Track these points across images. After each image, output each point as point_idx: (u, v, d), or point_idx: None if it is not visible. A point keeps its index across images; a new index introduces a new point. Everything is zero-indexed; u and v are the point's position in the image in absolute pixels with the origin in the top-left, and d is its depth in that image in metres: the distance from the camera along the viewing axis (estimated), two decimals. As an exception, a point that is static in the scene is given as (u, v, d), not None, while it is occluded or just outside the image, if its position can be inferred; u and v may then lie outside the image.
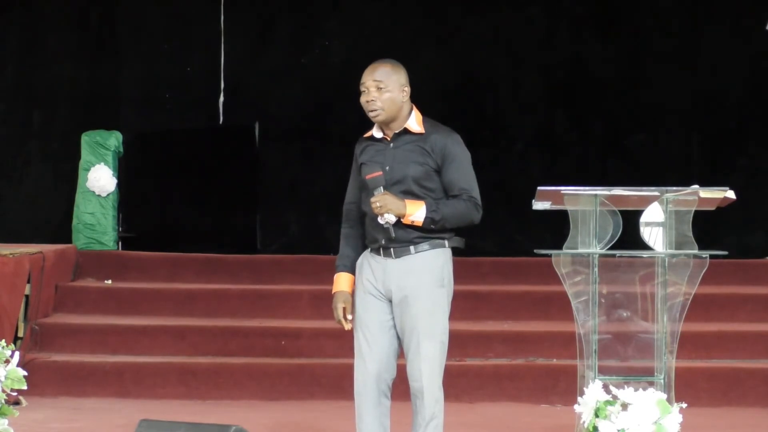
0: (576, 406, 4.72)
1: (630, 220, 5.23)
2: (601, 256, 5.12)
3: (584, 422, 4.65)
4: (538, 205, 5.27)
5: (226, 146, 10.68)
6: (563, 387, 7.56)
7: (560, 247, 5.20)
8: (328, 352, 8.10)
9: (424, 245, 5.02)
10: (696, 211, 5.16)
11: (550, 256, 5.19)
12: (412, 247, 5.02)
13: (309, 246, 10.26)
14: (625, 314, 5.24)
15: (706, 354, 8.14)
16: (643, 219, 5.15)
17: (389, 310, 5.07)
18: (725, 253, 5.44)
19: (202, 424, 4.89)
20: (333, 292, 5.15)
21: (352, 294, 5.14)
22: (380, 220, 4.98)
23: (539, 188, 5.21)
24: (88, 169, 9.93)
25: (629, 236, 5.27)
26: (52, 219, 10.68)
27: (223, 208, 10.48)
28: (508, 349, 8.17)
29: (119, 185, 10.01)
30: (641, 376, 5.12)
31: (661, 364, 5.13)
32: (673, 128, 10.80)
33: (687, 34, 10.79)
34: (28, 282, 8.29)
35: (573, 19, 10.93)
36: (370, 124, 5.17)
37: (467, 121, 9.66)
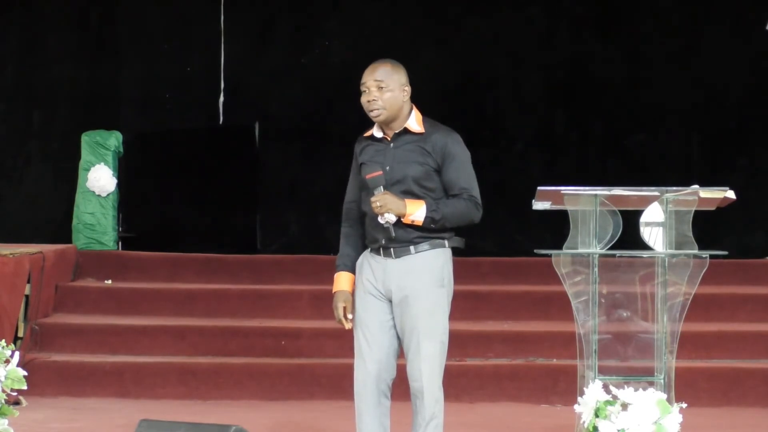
0: (576, 406, 4.72)
1: (630, 220, 5.23)
2: (601, 256, 5.12)
3: (584, 422, 4.65)
4: (538, 205, 5.27)
5: (226, 146, 10.68)
6: (563, 387, 7.56)
7: (560, 247, 5.20)
8: (328, 352, 8.10)
9: (424, 245, 5.02)
10: (696, 211, 5.16)
11: (550, 256, 5.19)
12: (412, 247, 5.02)
13: (309, 246, 10.26)
14: (625, 314, 5.24)
15: (706, 354, 8.14)
16: (643, 219, 5.15)
17: (389, 310, 5.07)
18: (725, 253, 5.45)
19: (202, 424, 4.89)
20: (333, 291, 5.15)
21: (353, 293, 5.15)
22: (380, 220, 4.98)
23: (539, 188, 5.21)
24: (88, 169, 9.93)
25: (629, 236, 5.27)
26: (52, 219, 10.68)
27: (223, 208, 10.48)
28: (508, 349, 8.17)
29: (119, 185, 10.01)
30: (641, 376, 5.12)
31: (661, 364, 5.13)
32: (673, 128, 10.80)
33: (687, 34, 10.79)
34: (28, 282, 8.29)
35: (573, 19, 10.93)
36: (370, 124, 5.17)
37: (467, 121, 9.66)
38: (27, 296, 8.28)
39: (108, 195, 9.95)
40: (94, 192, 9.93)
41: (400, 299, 5.02)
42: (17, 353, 4.82)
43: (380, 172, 4.99)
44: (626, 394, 4.59)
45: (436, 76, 10.50)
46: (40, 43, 11.01)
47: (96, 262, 9.52)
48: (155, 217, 10.48)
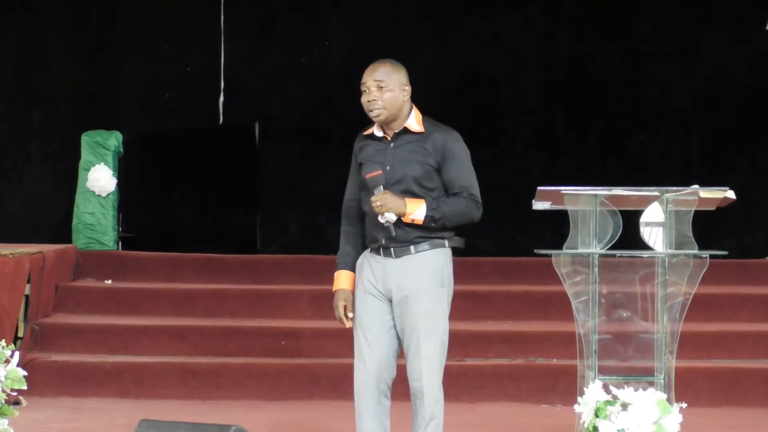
0: (576, 406, 4.72)
1: (630, 220, 5.23)
2: (601, 256, 5.12)
3: (584, 422, 4.65)
4: (538, 205, 5.27)
5: (226, 146, 10.68)
6: (563, 387, 7.56)
7: (560, 247, 5.20)
8: (328, 352, 8.10)
9: (425, 245, 5.02)
10: (696, 211, 5.16)
11: (550, 256, 5.19)
12: (412, 247, 5.02)
13: (309, 246, 10.26)
14: (625, 314, 5.24)
15: (706, 354, 8.14)
16: (643, 219, 5.15)
17: (389, 310, 5.07)
18: (725, 253, 5.45)
19: (202, 424, 4.89)
20: (333, 290, 5.15)
21: (353, 292, 5.14)
22: (381, 219, 4.98)
23: (539, 188, 5.21)
24: (88, 169, 9.93)
25: (629, 236, 5.28)
26: (52, 219, 10.67)
27: (223, 208, 10.48)
28: (508, 349, 8.17)
29: (119, 185, 10.01)
30: (641, 376, 5.12)
31: (661, 364, 5.13)
32: (673, 128, 10.80)
33: (687, 34, 10.79)
34: (28, 282, 8.29)
35: (573, 19, 10.92)
36: (370, 124, 5.17)
37: (467, 121, 9.65)
38: (27, 296, 8.28)
39: (108, 195, 9.95)
40: (94, 192, 9.93)
41: (400, 299, 5.02)
42: (17, 353, 4.82)
43: (380, 172, 4.99)
44: (626, 394, 4.59)
45: (436, 76, 10.50)
46: (40, 43, 11.01)
47: (96, 262, 9.52)
48: (155, 217, 10.48)
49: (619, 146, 10.81)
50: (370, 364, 5.05)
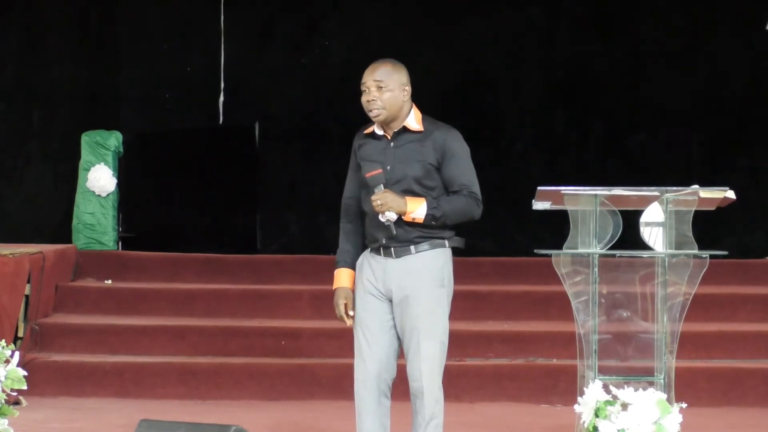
0: (576, 406, 4.72)
1: (630, 220, 5.23)
2: (601, 256, 5.12)
3: (584, 422, 4.65)
4: (538, 205, 5.27)
5: (226, 146, 10.68)
6: (563, 387, 7.56)
7: (560, 247, 5.20)
8: (328, 352, 8.10)
9: (425, 245, 5.02)
10: (696, 211, 5.16)
11: (550, 256, 5.19)
12: (412, 247, 5.02)
13: (309, 246, 10.26)
14: (625, 314, 5.24)
15: (706, 354, 8.14)
16: (643, 219, 5.15)
17: (389, 310, 5.07)
18: (725, 253, 5.45)
19: (202, 424, 4.89)
20: (334, 288, 5.15)
21: (353, 290, 5.14)
22: (381, 218, 4.98)
23: (539, 188, 5.21)
24: (88, 169, 9.93)
25: (629, 236, 5.28)
26: (52, 219, 10.67)
27: (223, 208, 10.48)
28: (508, 349, 8.17)
29: (119, 185, 10.01)
30: (641, 376, 5.12)
31: (661, 364, 5.13)
32: (673, 128, 10.80)
33: (687, 34, 10.79)
34: (28, 282, 8.29)
35: (573, 19, 10.93)
36: (370, 123, 5.17)
37: (467, 121, 9.62)
38: (27, 296, 8.28)
39: (108, 195, 9.94)
40: (94, 192, 9.92)
41: (401, 299, 5.02)
42: (17, 353, 4.82)
43: (380, 171, 4.99)
44: (626, 394, 4.59)
45: (436, 76, 10.50)
46: (40, 43, 11.01)
47: (96, 262, 9.51)
48: (155, 217, 10.48)
49: (619, 146, 10.81)
50: (370, 364, 5.05)
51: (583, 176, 9.05)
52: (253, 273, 9.44)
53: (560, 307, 7.44)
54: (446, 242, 5.07)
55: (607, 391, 4.65)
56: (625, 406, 4.58)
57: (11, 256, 8.12)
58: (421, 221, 4.98)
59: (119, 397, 7.83)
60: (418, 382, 5.00)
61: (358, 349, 5.09)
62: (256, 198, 10.71)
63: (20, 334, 8.22)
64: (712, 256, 5.14)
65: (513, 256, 9.67)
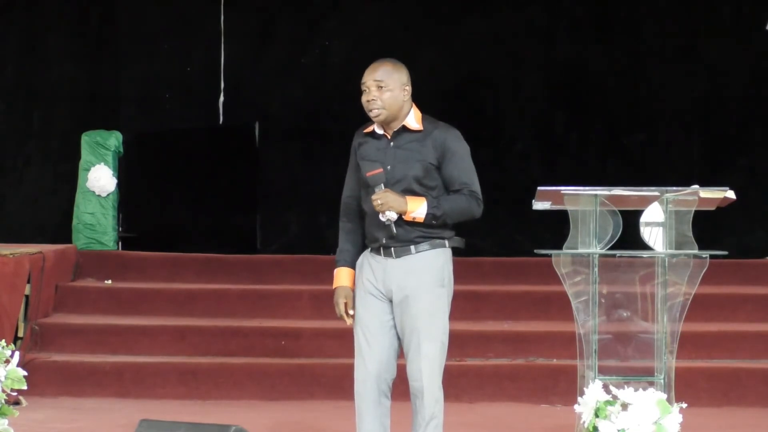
0: (576, 406, 4.72)
1: (630, 220, 5.23)
2: (601, 256, 5.12)
3: (584, 422, 4.65)
4: (538, 205, 5.27)
5: (226, 146, 10.68)
6: (563, 387, 7.56)
7: (560, 247, 5.21)
8: (328, 352, 8.10)
9: (425, 245, 5.02)
10: (696, 211, 5.17)
11: (550, 256, 5.19)
12: (412, 247, 5.02)
13: (309, 246, 10.26)
14: (625, 314, 5.24)
15: (706, 354, 8.14)
16: (643, 219, 5.15)
17: (389, 310, 5.07)
18: (725, 253, 5.45)
19: (202, 424, 4.89)
20: (334, 287, 5.15)
21: (353, 289, 5.14)
22: (382, 218, 4.98)
23: (539, 188, 5.21)
24: (88, 169, 9.93)
25: (629, 236, 5.28)
26: (52, 219, 10.68)
27: (223, 208, 10.48)
28: (508, 349, 8.17)
29: (119, 185, 10.01)
30: (641, 376, 5.12)
31: (661, 364, 5.13)
32: (673, 128, 10.80)
33: (687, 34, 10.79)
34: (28, 282, 8.29)
35: (573, 19, 10.93)
36: (370, 122, 5.17)
37: (467, 121, 9.62)
38: (27, 296, 8.28)
39: (108, 195, 9.94)
40: (94, 192, 9.93)
41: (401, 299, 5.02)
42: (17, 353, 4.82)
43: (380, 170, 4.99)
44: (626, 394, 4.59)
45: (436, 76, 10.50)
46: (40, 43, 11.02)
47: (96, 262, 9.51)
48: (155, 217, 10.48)
49: (619, 146, 10.81)
50: (370, 364, 5.05)
51: (583, 176, 9.05)
52: (253, 273, 9.43)
53: (560, 307, 7.44)
54: (446, 242, 5.07)
55: (607, 391, 4.65)
56: (625, 406, 4.58)
57: (11, 256, 8.12)
58: (422, 221, 4.98)
59: (119, 397, 7.83)
60: (418, 382, 5.00)
61: (358, 349, 5.09)
62: (256, 198, 10.71)
63: (20, 334, 8.22)
64: (712, 256, 5.14)
65: (513, 256, 9.67)
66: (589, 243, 5.14)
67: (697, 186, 5.16)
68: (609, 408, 4.59)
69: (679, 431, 4.59)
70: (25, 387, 4.78)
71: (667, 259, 5.13)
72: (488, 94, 10.92)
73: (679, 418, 4.59)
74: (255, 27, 11.02)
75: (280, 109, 10.88)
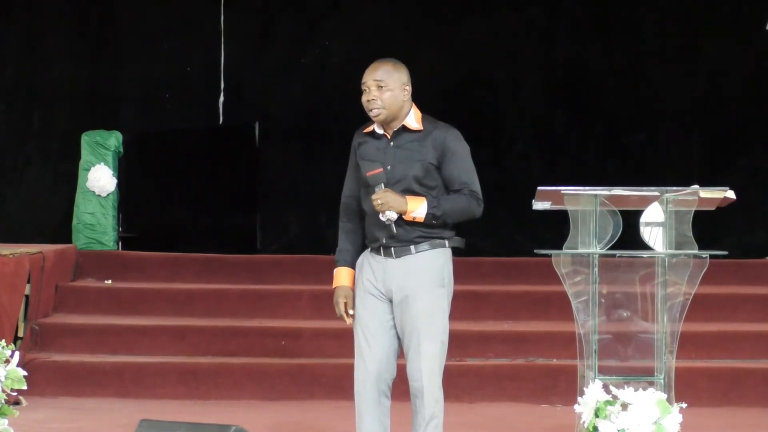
0: (576, 406, 4.72)
1: (630, 220, 5.23)
2: (601, 256, 5.12)
3: (584, 422, 4.65)
4: (538, 205, 5.27)
5: (226, 146, 10.68)
6: (563, 387, 7.56)
7: (560, 247, 5.21)
8: (328, 352, 8.10)
9: (425, 245, 5.03)
10: (696, 211, 5.16)
11: (550, 256, 5.19)
12: (412, 247, 5.02)
13: (309, 246, 10.26)
14: (625, 314, 5.24)
15: (706, 354, 8.14)
16: (643, 219, 5.15)
17: (389, 310, 5.07)
18: (725, 253, 5.45)
19: (202, 424, 4.89)
20: (333, 287, 5.15)
21: (353, 288, 5.14)
22: (382, 217, 4.98)
23: (539, 188, 5.21)
24: (88, 169, 9.93)
25: (629, 236, 5.28)
26: (52, 219, 10.68)
27: (223, 208, 10.48)
28: (508, 349, 8.17)
29: (119, 185, 10.01)
30: (641, 376, 5.12)
31: (661, 364, 5.13)
32: (673, 128, 10.80)
33: (687, 34, 10.79)
34: (28, 282, 8.29)
35: (573, 19, 10.93)
36: (370, 121, 5.17)
37: (467, 121, 9.63)
38: (27, 296, 8.28)
39: (108, 195, 9.94)
40: (94, 192, 9.93)
41: (401, 299, 5.02)
42: (17, 353, 4.82)
43: (381, 170, 4.99)
44: (626, 394, 4.59)
45: (436, 76, 10.51)
46: (40, 43, 11.02)
47: (96, 262, 9.51)
48: (155, 217, 10.48)
49: (619, 146, 10.81)
50: (370, 364, 5.05)
51: (583, 176, 9.05)
52: (253, 273, 9.43)
53: (560, 307, 7.44)
54: (446, 242, 5.07)
55: (607, 391, 4.65)
56: (625, 406, 4.58)
57: (11, 256, 8.12)
58: (422, 220, 4.98)
59: (119, 397, 7.83)
60: (418, 381, 5.00)
61: (358, 349, 5.09)
62: (256, 198, 10.71)
63: (20, 334, 8.22)
64: (712, 256, 5.14)
65: (513, 256, 9.67)
66: (589, 243, 5.14)
67: (697, 186, 5.16)
68: (609, 408, 4.59)
69: (679, 431, 4.59)
70: (25, 387, 4.78)
71: (667, 259, 5.13)
72: (488, 94, 10.92)
73: (679, 418, 4.59)
74: (255, 27, 11.02)
75: (280, 109, 10.88)
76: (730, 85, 10.73)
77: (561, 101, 10.87)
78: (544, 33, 10.94)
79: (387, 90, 5.01)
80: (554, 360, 8.03)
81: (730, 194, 5.22)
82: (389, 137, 5.09)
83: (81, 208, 9.93)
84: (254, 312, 8.80)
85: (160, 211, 10.52)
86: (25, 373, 4.81)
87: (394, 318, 5.06)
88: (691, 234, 5.14)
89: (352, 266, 5.16)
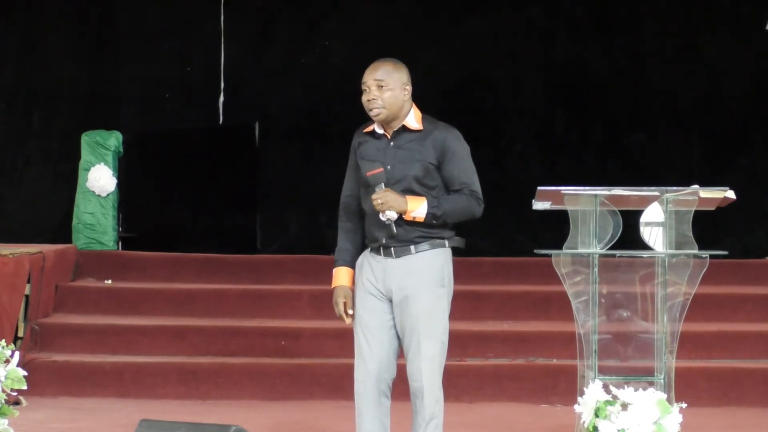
0: (576, 406, 4.72)
1: (630, 220, 5.23)
2: (601, 256, 5.12)
3: (584, 422, 4.65)
4: (538, 205, 5.27)
5: (226, 146, 10.68)
6: (563, 387, 7.56)
7: (560, 247, 5.21)
8: (328, 352, 8.10)
9: (425, 245, 5.02)
10: (696, 211, 5.17)
11: (550, 256, 5.19)
12: (412, 247, 5.02)
13: (309, 246, 10.26)
14: (625, 314, 5.24)
15: (706, 354, 8.14)
16: (643, 219, 5.16)
17: (389, 310, 5.07)
18: (725, 253, 5.45)
19: (202, 424, 4.89)
20: (333, 286, 5.15)
21: (352, 288, 5.14)
22: (382, 217, 4.98)
23: (539, 188, 5.21)
24: (88, 169, 9.93)
25: (629, 236, 5.28)
26: (52, 219, 10.68)
27: (223, 208, 10.48)
28: (508, 349, 8.17)
29: (119, 185, 10.01)
30: (641, 376, 5.12)
31: (661, 364, 5.13)
32: (673, 128, 10.80)
33: (687, 34, 10.79)
34: (28, 282, 8.29)
35: (573, 19, 10.93)
36: (370, 121, 5.17)
37: (467, 121, 9.62)
38: (27, 296, 8.28)
39: (108, 195, 9.95)
40: (94, 192, 9.93)
41: (401, 299, 5.02)
42: (17, 353, 4.82)
43: (381, 170, 4.99)
44: (626, 394, 4.59)
45: (436, 76, 10.51)
46: (40, 43, 11.02)
47: (96, 262, 9.51)
48: (155, 217, 10.48)
49: (619, 146, 10.81)
50: (370, 364, 5.05)
51: (583, 176, 9.05)
52: (253, 273, 9.43)
53: (560, 307, 7.44)
54: (446, 242, 5.07)
55: (607, 391, 4.65)
56: (625, 406, 4.58)
57: (11, 256, 8.12)
58: (422, 220, 4.98)
59: (119, 397, 7.83)
60: (418, 381, 5.00)
61: (358, 349, 5.09)
62: (256, 198, 10.71)
63: (20, 334, 8.22)
64: (712, 256, 5.14)
65: (513, 256, 9.67)
66: (589, 243, 5.14)
67: (697, 186, 5.16)
68: (609, 408, 4.59)
69: (679, 431, 4.59)
70: (25, 387, 4.78)
71: (667, 259, 5.13)
72: (488, 94, 10.92)
73: (679, 418, 4.59)
74: (255, 27, 11.02)
75: (280, 109, 10.89)
76: (730, 85, 10.73)
77: (561, 101, 10.87)
78: (544, 33, 10.94)
79: (387, 90, 5.01)
80: (554, 360, 8.03)
81: (730, 194, 5.22)
82: (389, 137, 5.09)
83: (81, 208, 9.93)
84: (254, 312, 8.80)
85: (160, 211, 10.52)
86: (25, 373, 4.81)
87: (394, 318, 5.06)
88: (691, 234, 5.14)
89: (352, 266, 5.16)
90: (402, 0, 10.96)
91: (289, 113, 10.88)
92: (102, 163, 9.92)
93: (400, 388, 5.14)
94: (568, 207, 5.22)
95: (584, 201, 5.17)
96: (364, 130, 5.17)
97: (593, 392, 4.64)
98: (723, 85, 10.73)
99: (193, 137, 10.68)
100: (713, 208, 5.33)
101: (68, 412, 7.40)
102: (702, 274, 5.12)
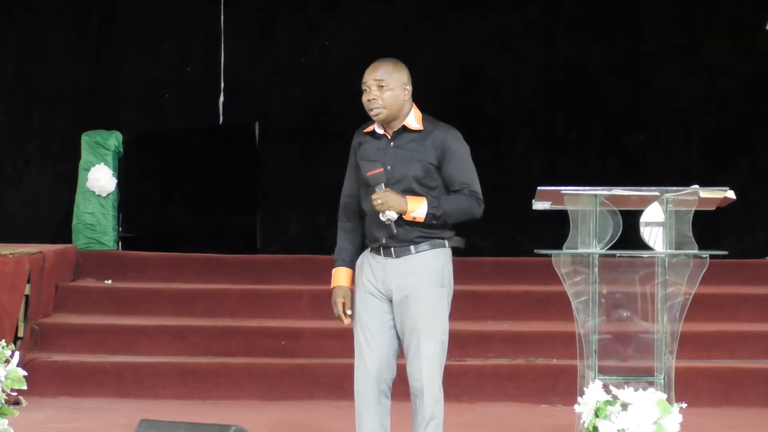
0: (576, 406, 4.72)
1: (630, 220, 5.23)
2: (601, 256, 5.12)
3: (584, 422, 4.65)
4: (538, 205, 5.27)
5: (226, 146, 10.68)
6: (563, 387, 7.56)
7: (560, 247, 5.21)
8: (328, 352, 8.10)
9: (425, 245, 5.03)
10: (696, 211, 5.16)
11: (550, 256, 5.19)
12: (412, 247, 5.02)
13: (309, 246, 10.26)
14: (625, 314, 5.24)
15: (706, 354, 8.14)
16: (643, 219, 5.15)
17: (389, 310, 5.07)
18: (725, 253, 5.44)
19: (202, 424, 4.89)
20: (332, 286, 5.15)
21: (351, 289, 5.14)
22: (382, 217, 4.98)
23: (539, 188, 5.21)
24: (88, 169, 9.93)
25: (629, 236, 5.28)
26: (52, 219, 10.68)
27: (223, 208, 10.48)
28: (508, 349, 8.17)
29: (119, 185, 10.01)
30: (641, 376, 5.12)
31: (661, 364, 5.13)
32: (673, 128, 10.80)
33: (687, 34, 10.79)
34: (28, 282, 8.29)
35: (573, 19, 10.93)
36: (370, 121, 5.17)
37: (467, 121, 9.62)
38: (27, 296, 8.28)
39: (108, 195, 9.95)
40: (94, 192, 9.93)
41: (401, 299, 5.02)
42: (17, 353, 4.82)
43: (381, 170, 4.99)
44: (626, 394, 4.59)
45: (436, 76, 10.51)
46: (40, 43, 11.02)
47: (96, 262, 9.52)
48: (155, 217, 10.48)
49: (619, 146, 10.81)
50: (370, 364, 5.05)
51: (583, 176, 9.05)
52: (253, 273, 9.44)
53: (560, 307, 7.44)
54: (446, 242, 5.07)
55: (607, 391, 4.65)
56: (625, 406, 4.58)
57: (11, 256, 8.12)
58: (422, 220, 4.98)
59: (119, 397, 7.83)
60: (418, 381, 5.00)
61: (358, 349, 5.09)
62: (256, 198, 10.71)
63: (20, 334, 8.22)
64: (712, 256, 5.14)
65: (513, 256, 9.67)
66: (589, 243, 5.14)
67: (697, 186, 5.16)
68: (609, 408, 4.59)
69: (679, 431, 4.59)
70: (25, 387, 4.78)
71: (667, 259, 5.13)
72: (488, 94, 10.92)
73: (679, 418, 4.59)
74: (255, 27, 11.02)
75: (280, 109, 10.89)
76: (730, 85, 10.73)
77: (561, 101, 10.87)
78: (544, 33, 10.94)
79: (387, 90, 5.01)
80: (554, 360, 8.03)
81: (730, 194, 5.22)
82: (389, 137, 5.09)
83: (81, 208, 9.93)
84: (254, 312, 8.80)
85: (160, 211, 10.52)
86: (25, 373, 4.81)
87: (394, 318, 5.07)
88: (691, 234, 5.14)
89: (351, 266, 5.16)
90: (402, 0, 10.96)
91: (289, 113, 10.88)
92: (102, 163, 9.92)
93: (400, 388, 5.14)
94: (568, 207, 5.22)
95: (584, 201, 5.17)
96: (364, 130, 5.17)
97: (593, 392, 4.64)
98: (723, 85, 10.73)
99: (193, 137, 10.68)
100: (713, 208, 5.33)
101: (68, 412, 7.40)
102: (702, 274, 5.12)
